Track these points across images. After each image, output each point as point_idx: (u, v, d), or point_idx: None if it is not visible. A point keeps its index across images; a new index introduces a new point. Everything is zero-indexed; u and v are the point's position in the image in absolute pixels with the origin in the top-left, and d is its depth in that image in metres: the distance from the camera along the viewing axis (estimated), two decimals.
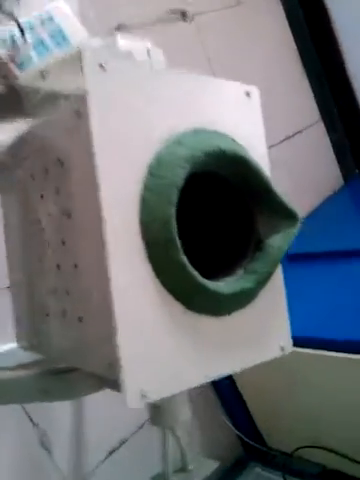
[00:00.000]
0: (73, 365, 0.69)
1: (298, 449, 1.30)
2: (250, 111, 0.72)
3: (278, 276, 0.71)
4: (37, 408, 1.14)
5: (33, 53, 0.73)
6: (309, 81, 2.12)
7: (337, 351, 1.12)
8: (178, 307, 0.58)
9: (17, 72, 0.72)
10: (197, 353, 0.59)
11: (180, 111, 0.63)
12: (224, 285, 0.61)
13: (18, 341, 0.81)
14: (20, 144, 0.74)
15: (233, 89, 0.70)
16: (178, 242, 0.56)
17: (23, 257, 0.79)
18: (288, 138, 1.97)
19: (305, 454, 1.31)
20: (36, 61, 0.75)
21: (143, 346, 0.54)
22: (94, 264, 0.57)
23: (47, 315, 0.70)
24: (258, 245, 0.67)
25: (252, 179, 0.66)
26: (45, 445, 1.16)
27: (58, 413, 1.19)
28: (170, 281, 0.57)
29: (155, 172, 0.57)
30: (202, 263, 0.68)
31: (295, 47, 2.12)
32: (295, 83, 2.12)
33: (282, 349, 0.70)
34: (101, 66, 0.56)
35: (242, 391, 1.45)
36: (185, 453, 0.81)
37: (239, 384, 1.45)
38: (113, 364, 0.53)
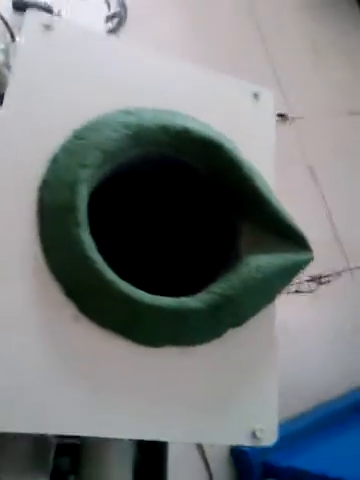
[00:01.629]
0: None
1: None
2: (256, 116, 0.57)
3: (267, 327, 0.48)
4: None
5: None
6: None
7: None
8: (68, 307, 0.40)
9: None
10: (85, 385, 0.39)
11: (143, 91, 0.50)
12: (150, 296, 0.41)
13: None
14: None
15: (233, 87, 0.57)
16: (82, 214, 0.40)
17: None
18: None
19: None
20: None
21: None
22: None
23: None
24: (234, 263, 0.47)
25: (233, 176, 0.49)
26: None
27: None
28: (60, 265, 0.40)
29: (79, 134, 0.45)
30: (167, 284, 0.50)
31: None
32: None
33: (254, 436, 0.43)
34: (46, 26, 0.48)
35: None
36: None
37: None
38: None
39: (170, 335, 0.42)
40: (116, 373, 0.40)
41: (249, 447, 1.04)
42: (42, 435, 0.56)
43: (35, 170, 0.43)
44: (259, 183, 0.49)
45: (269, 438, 0.44)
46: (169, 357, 0.42)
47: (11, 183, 0.41)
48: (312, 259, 0.49)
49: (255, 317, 0.47)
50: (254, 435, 0.43)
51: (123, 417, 0.39)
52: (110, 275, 0.40)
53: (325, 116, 1.70)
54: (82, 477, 0.48)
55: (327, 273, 1.40)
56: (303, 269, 0.49)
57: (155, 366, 0.41)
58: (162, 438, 0.41)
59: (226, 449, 1.08)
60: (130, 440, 0.51)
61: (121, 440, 0.49)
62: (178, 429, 0.41)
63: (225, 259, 0.49)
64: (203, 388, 0.43)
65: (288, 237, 0.48)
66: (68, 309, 0.40)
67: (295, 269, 0.48)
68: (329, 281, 1.40)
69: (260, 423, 0.44)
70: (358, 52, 1.80)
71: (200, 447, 1.04)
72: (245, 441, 0.43)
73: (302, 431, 1.06)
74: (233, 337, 0.45)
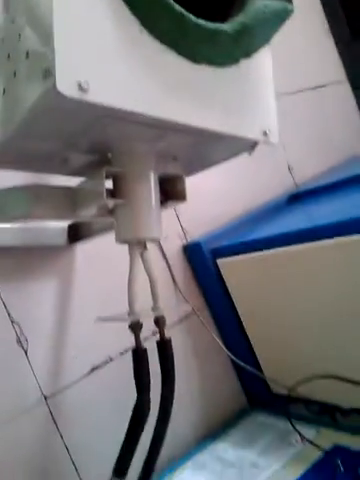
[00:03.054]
0: None
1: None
2: None
3: (267, 64, 0.62)
4: (18, 306, 1.06)
5: None
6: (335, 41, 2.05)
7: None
8: (134, 22, 0.50)
9: None
10: (150, 80, 0.51)
11: None
12: (195, 17, 0.52)
13: None
14: None
15: None
16: None
17: None
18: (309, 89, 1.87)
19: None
20: None
21: (85, 42, 0.46)
22: None
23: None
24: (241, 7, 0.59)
25: None
26: (22, 344, 1.07)
27: (41, 314, 1.10)
28: None
29: None
30: None
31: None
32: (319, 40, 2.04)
33: (265, 134, 0.60)
34: None
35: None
36: (155, 284, 0.70)
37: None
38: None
39: (206, 54, 0.54)
40: (170, 76, 0.53)
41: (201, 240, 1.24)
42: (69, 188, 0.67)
43: None
44: None
45: (274, 138, 0.60)
46: (206, 72, 0.55)
47: None
48: (293, 11, 0.62)
49: (257, 54, 0.60)
50: (265, 134, 0.59)
51: (176, 106, 0.53)
52: None
53: None
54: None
55: None
56: (287, 19, 0.62)
57: (197, 76, 0.54)
58: (205, 125, 0.55)
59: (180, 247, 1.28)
60: None
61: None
62: (215, 121, 0.55)
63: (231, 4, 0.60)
64: (230, 97, 0.57)
65: None
66: (134, 24, 0.50)
67: (284, 16, 0.60)
68: None
69: (266, 126, 0.60)
70: None
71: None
72: (259, 136, 0.59)
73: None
74: (245, 65, 0.59)
